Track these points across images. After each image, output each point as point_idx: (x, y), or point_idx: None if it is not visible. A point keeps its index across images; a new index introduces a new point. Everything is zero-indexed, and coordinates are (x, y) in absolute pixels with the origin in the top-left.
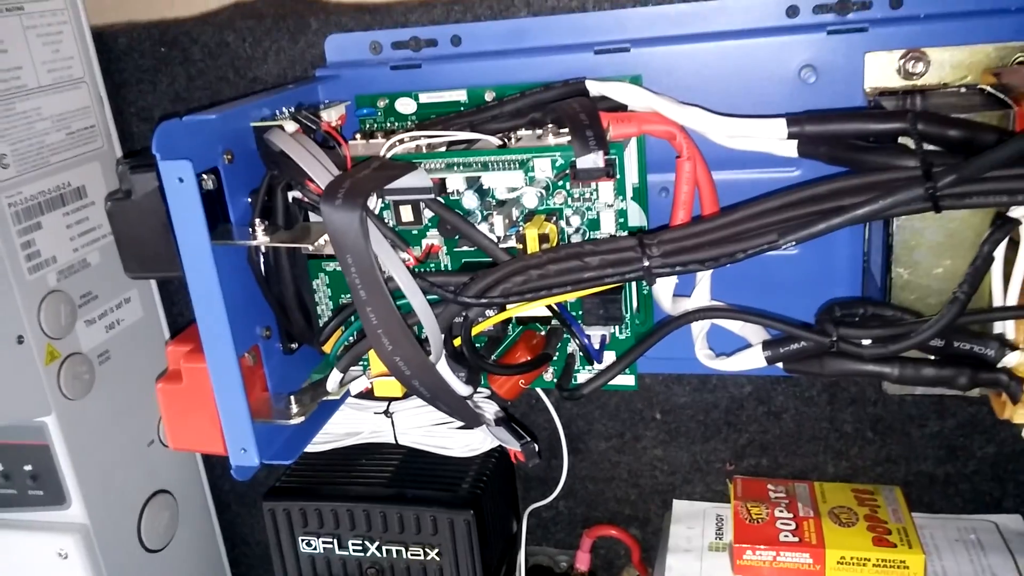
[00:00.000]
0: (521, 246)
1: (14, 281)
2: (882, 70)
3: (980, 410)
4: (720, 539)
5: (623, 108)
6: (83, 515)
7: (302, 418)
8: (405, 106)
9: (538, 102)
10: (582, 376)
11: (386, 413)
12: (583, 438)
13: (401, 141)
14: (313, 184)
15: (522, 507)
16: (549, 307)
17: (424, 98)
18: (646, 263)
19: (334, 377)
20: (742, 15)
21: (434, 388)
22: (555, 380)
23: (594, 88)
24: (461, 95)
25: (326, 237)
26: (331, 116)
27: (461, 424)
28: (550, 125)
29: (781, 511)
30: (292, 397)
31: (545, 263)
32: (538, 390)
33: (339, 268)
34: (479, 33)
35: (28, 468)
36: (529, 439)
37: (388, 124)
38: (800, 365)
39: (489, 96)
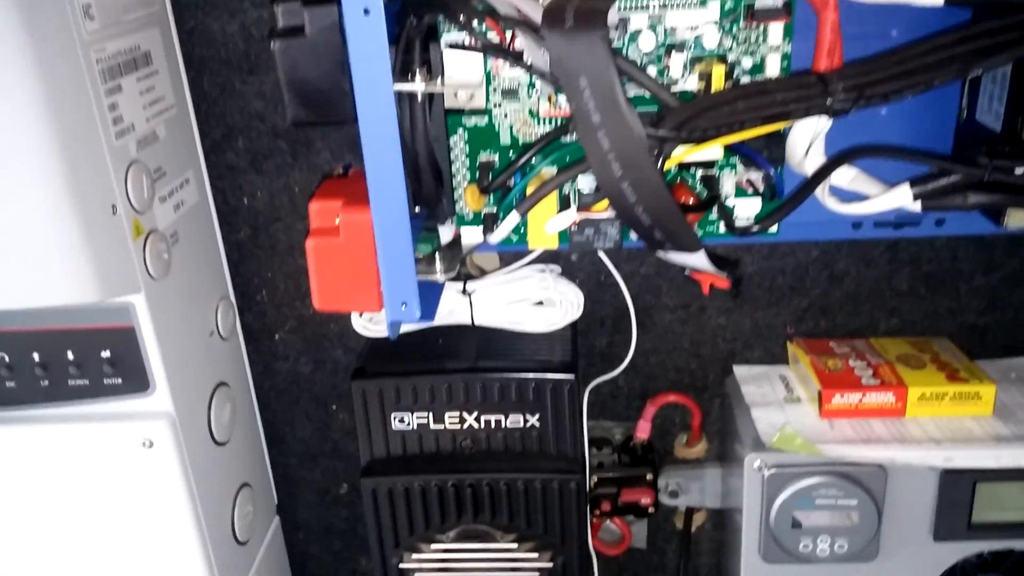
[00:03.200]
0: (698, 87)
1: (105, 146)
2: None
3: None
4: (792, 393)
5: None
6: (168, 402)
7: (452, 273)
8: None
9: None
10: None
11: (464, 292)
12: (649, 311)
13: None
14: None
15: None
16: (727, 146)
17: None
18: (828, 99)
19: (507, 223)
20: None
21: (661, 212)
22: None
23: None
24: None
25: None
26: None
27: (538, 300)
28: None
29: (854, 361)
30: (437, 255)
31: (734, 99)
32: (608, 264)
33: (480, 123)
34: None
35: (106, 354)
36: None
37: None
38: (943, 200)
39: None
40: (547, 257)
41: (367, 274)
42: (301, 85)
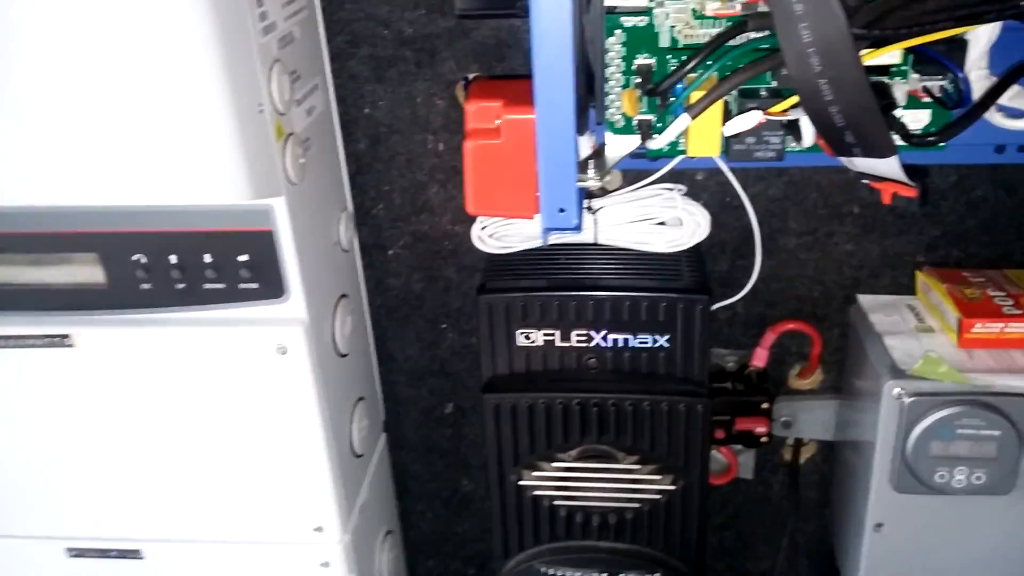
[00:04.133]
0: None
1: (254, 42)
2: None
3: None
4: (923, 323)
5: None
6: (302, 310)
7: (607, 179)
8: None
9: None
10: None
11: (590, 210)
12: (774, 236)
13: None
14: None
15: None
16: (911, 49)
17: None
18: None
19: (675, 126)
20: None
21: (859, 112)
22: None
23: None
24: None
25: None
26: None
27: (661, 220)
28: None
29: (992, 291)
30: (591, 161)
31: None
32: (736, 185)
33: (639, 23)
34: None
35: (243, 258)
36: None
37: None
38: None
39: None
40: (670, 177)
41: (525, 178)
42: None
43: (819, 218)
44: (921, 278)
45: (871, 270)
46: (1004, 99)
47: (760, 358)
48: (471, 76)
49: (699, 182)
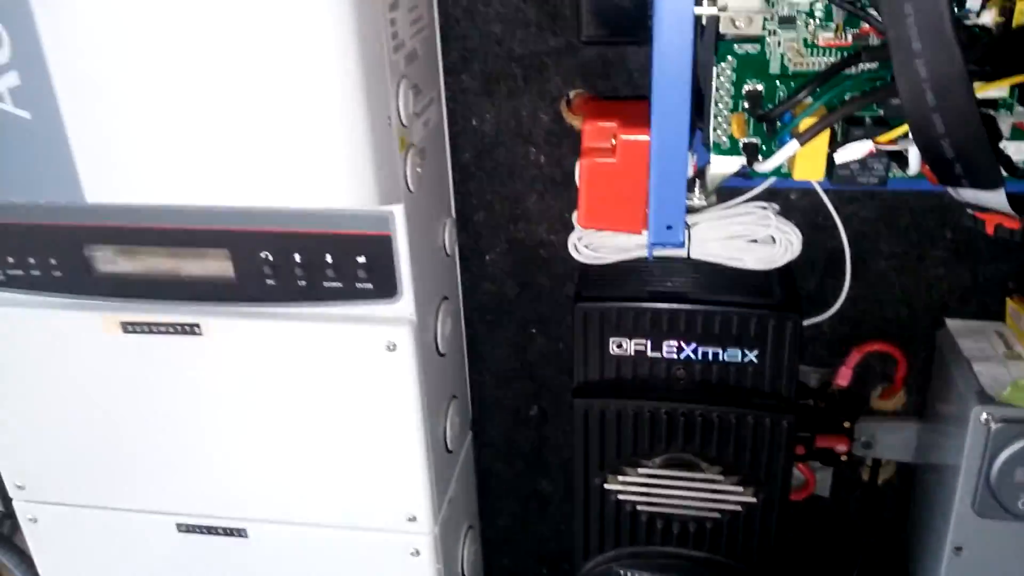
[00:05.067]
0: (995, 21)
1: (386, 58)
2: None
3: None
4: (1012, 350)
5: None
6: (411, 309)
7: (712, 199)
8: None
9: None
10: None
11: (693, 207)
12: (864, 256)
13: None
14: None
15: None
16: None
17: None
18: None
19: (784, 151)
20: None
21: (969, 146)
22: None
23: None
24: None
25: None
26: None
27: (754, 238)
28: None
29: None
30: (696, 182)
31: None
32: (828, 205)
33: (751, 51)
34: None
35: (361, 260)
36: None
37: None
38: None
39: None
40: (764, 195)
41: (635, 195)
42: (600, 3)
43: (911, 241)
44: (1011, 305)
45: (961, 295)
46: None
47: (844, 377)
48: (573, 93)
49: (792, 201)
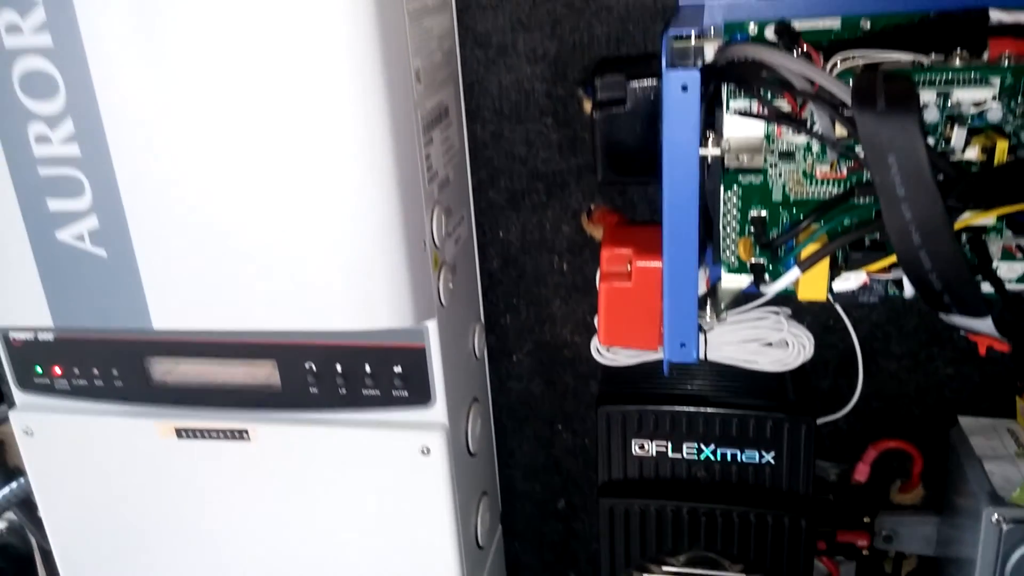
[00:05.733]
0: (978, 158)
1: (422, 190)
2: None
3: None
4: (1022, 448)
5: None
6: (443, 415)
7: (723, 319)
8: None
9: (941, 28)
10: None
11: (700, 329)
12: (875, 357)
13: (843, 60)
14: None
15: None
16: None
17: (796, 25)
18: None
19: (787, 277)
20: None
21: (955, 279)
22: None
23: (995, 16)
24: (835, 23)
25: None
26: (710, 47)
27: (770, 342)
28: (959, 50)
29: None
30: (708, 302)
31: (1017, 172)
32: (839, 310)
33: (754, 181)
34: None
35: (398, 370)
36: None
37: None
38: None
39: (866, 24)
40: (777, 299)
41: (650, 316)
42: (614, 148)
43: (920, 342)
44: (1021, 404)
45: (972, 392)
46: None
47: (862, 473)
48: (593, 206)
49: (804, 305)
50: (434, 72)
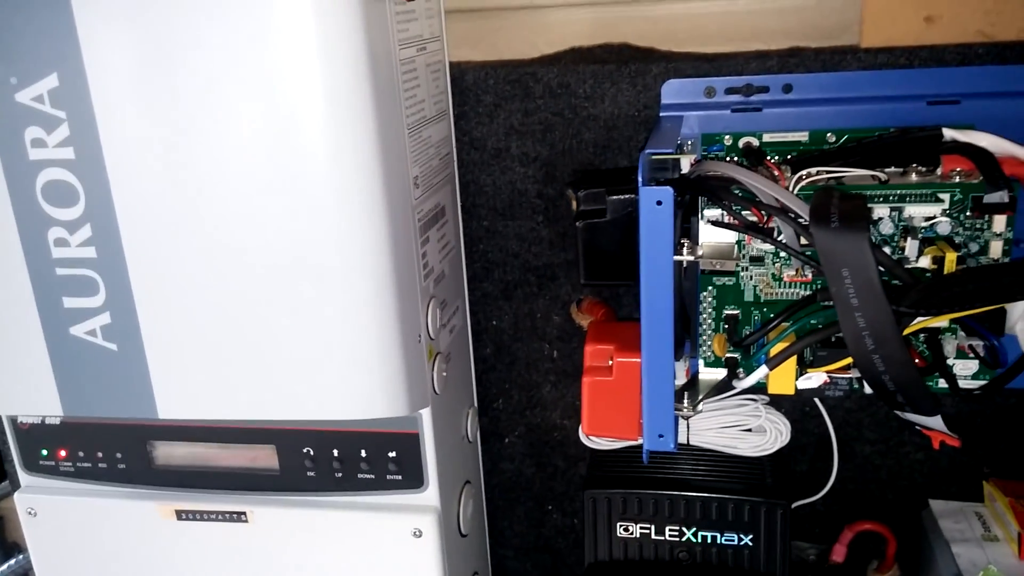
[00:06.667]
0: (930, 267)
1: (418, 287)
2: None
3: None
4: (989, 531)
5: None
6: (436, 498)
7: (699, 411)
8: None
9: (899, 144)
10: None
11: (683, 416)
12: (849, 443)
13: (808, 175)
14: (756, 208)
15: None
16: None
17: (767, 138)
18: None
19: (757, 374)
20: None
21: (906, 381)
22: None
23: (948, 134)
24: (803, 136)
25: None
26: (685, 160)
27: (749, 427)
28: (915, 165)
29: None
30: (686, 393)
31: (965, 281)
32: (815, 398)
33: (728, 282)
34: (810, 83)
35: (392, 454)
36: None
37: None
38: None
39: (831, 138)
40: (755, 388)
41: (631, 408)
42: (596, 255)
43: (891, 428)
44: (988, 488)
45: (941, 477)
46: None
47: (839, 554)
48: (582, 297)
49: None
50: (431, 177)
